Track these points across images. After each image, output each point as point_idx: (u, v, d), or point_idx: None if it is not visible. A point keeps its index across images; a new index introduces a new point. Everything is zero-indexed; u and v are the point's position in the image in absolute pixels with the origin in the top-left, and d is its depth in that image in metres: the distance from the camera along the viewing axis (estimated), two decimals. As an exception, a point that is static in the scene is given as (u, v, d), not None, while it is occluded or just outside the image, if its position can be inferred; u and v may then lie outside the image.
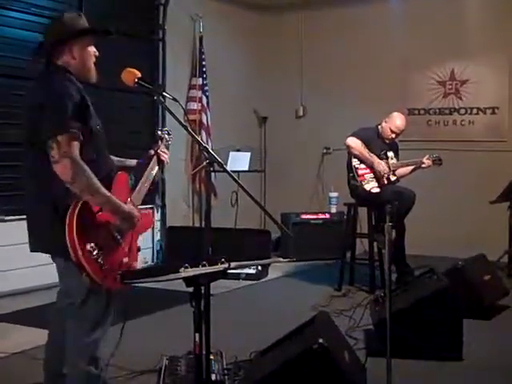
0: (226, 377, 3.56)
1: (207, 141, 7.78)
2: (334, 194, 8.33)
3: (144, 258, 7.08)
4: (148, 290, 5.35)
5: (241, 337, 4.54)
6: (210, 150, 2.88)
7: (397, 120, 6.21)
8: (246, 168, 7.66)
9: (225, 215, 7.73)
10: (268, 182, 8.86)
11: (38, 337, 4.28)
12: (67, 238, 2.57)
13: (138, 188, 3.02)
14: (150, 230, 7.15)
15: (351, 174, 6.13)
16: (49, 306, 5.15)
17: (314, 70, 8.85)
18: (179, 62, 7.89)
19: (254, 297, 6.08)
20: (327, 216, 8.01)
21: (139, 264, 3.09)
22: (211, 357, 3.05)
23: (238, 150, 7.96)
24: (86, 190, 2.61)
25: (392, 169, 6.20)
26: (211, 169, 6.68)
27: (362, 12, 8.46)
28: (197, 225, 8.03)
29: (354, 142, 6.12)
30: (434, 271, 4.63)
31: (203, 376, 2.57)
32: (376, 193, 6.03)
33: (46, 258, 2.84)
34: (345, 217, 6.69)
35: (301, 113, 9.14)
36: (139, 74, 2.90)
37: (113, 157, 3.09)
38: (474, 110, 8.08)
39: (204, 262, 2.53)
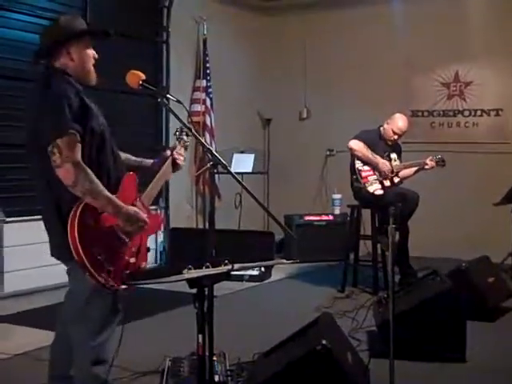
0: (229, 378, 3.56)
1: (211, 143, 7.78)
2: (337, 196, 8.32)
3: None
4: (151, 292, 5.37)
5: (244, 338, 4.54)
6: (214, 152, 2.88)
7: (399, 121, 6.21)
8: (250, 170, 7.66)
9: (228, 217, 7.74)
10: (271, 183, 8.86)
11: (40, 338, 4.31)
12: (69, 240, 2.58)
13: (148, 188, 3.00)
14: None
15: (354, 177, 6.13)
16: (51, 307, 5.20)
17: (318, 72, 8.85)
18: (183, 64, 7.90)
19: (258, 298, 6.08)
20: (330, 218, 8.00)
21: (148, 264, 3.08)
22: (214, 358, 3.05)
23: (242, 152, 7.96)
24: (88, 193, 2.61)
25: (395, 170, 6.20)
26: (215, 170, 6.67)
27: (366, 14, 8.46)
28: (200, 226, 8.04)
29: (357, 145, 6.12)
30: (438, 273, 4.63)
31: (206, 377, 2.58)
32: (379, 195, 6.02)
33: (48, 259, 2.84)
34: (348, 218, 6.69)
35: (304, 115, 9.14)
36: (143, 76, 2.90)
37: (129, 156, 3.12)
38: (478, 112, 8.08)
39: (207, 264, 2.53)
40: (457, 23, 7.90)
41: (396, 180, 6.20)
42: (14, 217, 5.82)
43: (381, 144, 6.25)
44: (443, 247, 7.52)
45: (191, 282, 2.47)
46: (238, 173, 6.47)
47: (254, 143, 8.84)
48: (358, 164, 6.13)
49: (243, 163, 7.63)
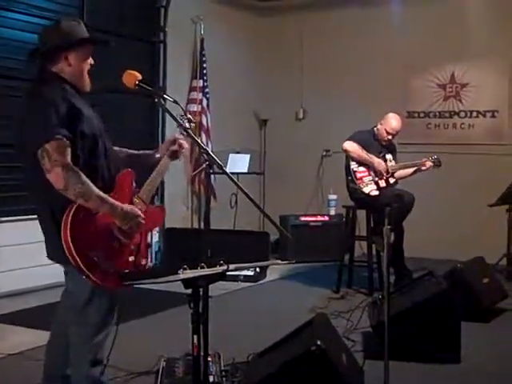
0: (224, 378, 3.56)
1: (207, 143, 7.78)
2: (333, 197, 8.33)
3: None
4: (147, 292, 5.37)
5: (239, 338, 4.54)
6: (210, 152, 2.88)
7: (392, 121, 6.22)
8: (246, 170, 7.66)
9: (224, 217, 7.74)
10: (267, 184, 8.87)
11: (35, 338, 4.31)
12: (63, 243, 2.59)
13: (147, 183, 2.96)
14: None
15: (350, 178, 6.14)
16: (46, 306, 5.20)
17: (315, 73, 8.86)
18: (180, 63, 7.89)
19: (253, 299, 6.08)
20: (326, 218, 8.01)
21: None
22: (209, 358, 3.05)
23: (238, 152, 7.96)
24: (80, 195, 2.61)
25: (391, 171, 6.21)
26: (211, 171, 6.68)
27: (363, 15, 8.47)
28: (196, 226, 8.04)
29: (352, 146, 6.13)
30: (433, 274, 4.64)
31: (201, 378, 2.58)
32: (375, 195, 6.03)
33: (43, 258, 2.84)
34: (344, 219, 6.70)
35: (301, 115, 9.15)
36: (140, 76, 2.90)
37: (130, 151, 3.12)
38: (474, 114, 8.09)
39: (203, 264, 2.53)
40: (453, 25, 7.92)
41: (391, 181, 6.21)
42: (8, 216, 5.81)
43: (375, 144, 6.26)
44: (438, 248, 7.54)
45: (186, 283, 2.47)
46: (233, 173, 6.46)
47: (251, 143, 8.84)
48: (353, 165, 6.13)
49: (239, 163, 7.63)
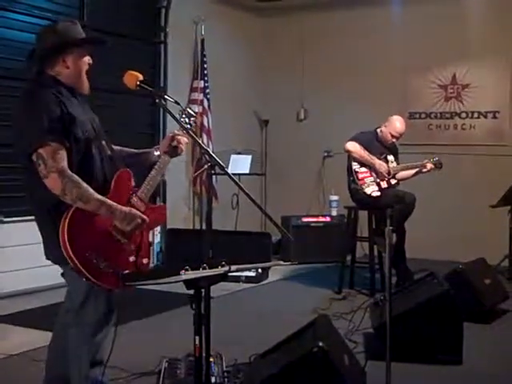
0: (226, 379, 3.55)
1: (208, 143, 7.78)
2: (334, 197, 8.32)
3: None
4: (148, 292, 5.36)
5: (240, 339, 4.53)
6: (211, 153, 2.88)
7: (396, 123, 6.21)
8: (247, 171, 7.65)
9: (225, 218, 7.74)
10: (269, 184, 8.86)
11: (37, 338, 4.31)
12: (61, 245, 2.60)
13: (145, 183, 2.96)
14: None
15: (351, 178, 6.14)
16: (48, 307, 5.20)
17: (315, 73, 8.85)
18: (181, 64, 7.89)
19: (254, 300, 6.07)
20: (328, 219, 8.00)
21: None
22: (211, 359, 3.05)
23: (239, 153, 7.96)
24: (78, 199, 2.63)
25: (392, 172, 6.20)
26: (212, 171, 6.68)
27: (363, 15, 8.47)
28: (197, 227, 8.03)
29: (354, 146, 6.12)
30: (435, 275, 4.63)
31: (203, 379, 2.57)
32: (377, 196, 6.03)
33: (43, 260, 2.85)
34: (345, 220, 6.70)
35: (302, 116, 9.14)
36: (141, 77, 2.90)
37: (130, 150, 3.14)
38: (475, 114, 8.09)
39: (204, 265, 2.53)
40: (454, 25, 7.91)
41: (393, 182, 6.20)
42: (11, 217, 5.81)
43: (377, 146, 6.25)
44: (440, 249, 7.54)
45: (188, 283, 2.47)
46: (235, 174, 6.45)
47: (252, 144, 8.84)
48: (355, 165, 6.13)
49: (240, 164, 7.62)
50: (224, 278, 2.53)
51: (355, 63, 8.54)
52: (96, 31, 6.14)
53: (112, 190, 2.81)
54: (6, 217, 5.84)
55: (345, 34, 8.62)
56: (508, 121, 7.88)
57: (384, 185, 6.12)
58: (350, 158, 6.16)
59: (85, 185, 2.65)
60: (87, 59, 2.88)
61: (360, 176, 6.10)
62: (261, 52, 9.16)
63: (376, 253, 6.14)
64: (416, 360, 4.07)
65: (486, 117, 8.03)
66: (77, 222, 2.64)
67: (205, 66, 7.98)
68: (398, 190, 6.20)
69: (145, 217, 2.80)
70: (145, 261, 2.92)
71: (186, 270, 2.47)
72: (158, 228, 7.42)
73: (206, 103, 7.94)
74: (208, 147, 7.20)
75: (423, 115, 8.36)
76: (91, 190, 2.66)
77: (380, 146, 6.27)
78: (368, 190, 6.05)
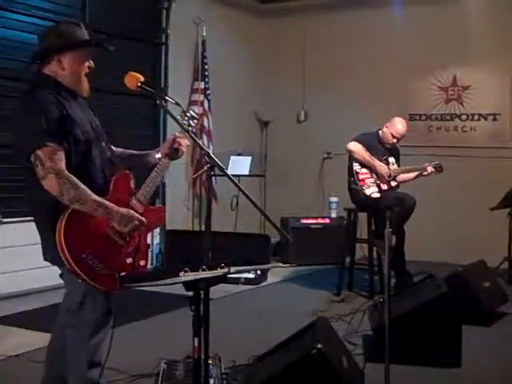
0: (224, 381, 3.55)
1: (208, 145, 7.78)
2: (334, 199, 8.33)
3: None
4: (147, 294, 5.36)
5: (239, 341, 4.53)
6: (211, 154, 2.88)
7: (398, 125, 6.22)
8: (247, 172, 7.66)
9: (225, 219, 7.73)
10: (268, 186, 8.86)
11: (36, 339, 4.30)
12: (58, 246, 2.60)
13: (144, 185, 2.95)
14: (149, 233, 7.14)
15: (352, 179, 6.14)
16: (47, 308, 5.20)
17: (316, 75, 8.85)
18: (181, 65, 7.90)
19: (253, 301, 6.07)
20: (327, 221, 8.00)
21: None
22: (209, 361, 3.05)
23: (239, 155, 7.96)
24: (75, 200, 2.63)
25: (393, 174, 6.21)
26: (212, 173, 6.67)
27: (365, 17, 8.48)
28: (197, 228, 8.03)
29: (356, 147, 6.13)
30: (434, 277, 4.63)
31: (201, 381, 2.57)
32: (376, 198, 6.03)
33: (42, 261, 2.85)
34: (345, 222, 6.69)
35: (302, 117, 9.15)
36: (142, 78, 2.89)
37: (131, 151, 3.14)
38: (476, 116, 8.09)
39: (204, 267, 2.53)
40: (455, 27, 7.92)
41: (393, 184, 6.21)
42: (10, 218, 5.81)
43: (379, 147, 6.26)
44: (439, 251, 7.54)
45: (187, 285, 2.47)
46: (234, 175, 6.44)
47: (252, 146, 8.85)
48: (356, 166, 6.13)
49: (240, 166, 7.62)
50: (223, 279, 2.53)
51: (356, 65, 8.54)
52: (97, 32, 6.15)
53: (111, 192, 2.81)
54: (4, 217, 5.83)
55: (345, 35, 8.62)
56: (508, 123, 7.88)
57: (384, 186, 6.12)
58: (351, 158, 6.17)
59: (82, 186, 2.65)
60: (86, 63, 2.87)
61: (360, 177, 6.11)
62: (261, 53, 9.17)
63: (375, 255, 6.15)
64: (415, 362, 4.06)
65: (486, 119, 8.03)
66: (74, 223, 2.65)
67: (205, 67, 7.98)
68: (398, 192, 6.20)
69: (143, 218, 2.80)
70: (142, 263, 2.92)
71: (186, 271, 2.47)
72: (158, 229, 7.41)
73: (206, 104, 7.94)
74: (208, 148, 7.20)
75: (423, 117, 8.36)
76: (89, 192, 2.66)
77: (381, 148, 6.27)
78: (368, 191, 6.05)
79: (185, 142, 3.08)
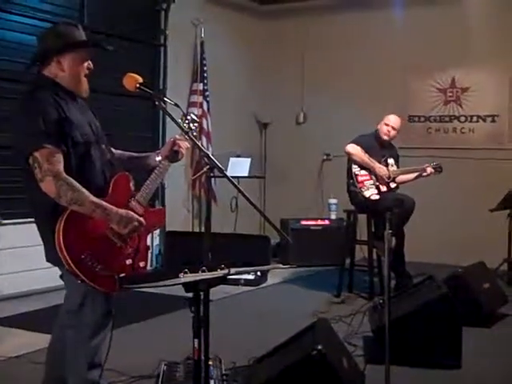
0: (225, 383, 3.55)
1: (208, 146, 7.78)
2: (333, 201, 8.34)
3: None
4: (147, 295, 5.36)
5: (239, 342, 4.53)
6: (211, 156, 2.88)
7: (390, 116, 6.30)
8: (246, 174, 7.66)
9: (224, 220, 7.73)
10: (268, 187, 8.86)
11: (36, 340, 4.30)
12: (57, 247, 2.60)
13: (144, 186, 2.96)
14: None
15: (351, 181, 6.14)
16: (47, 309, 5.20)
17: (315, 76, 8.86)
18: (180, 67, 7.90)
19: (253, 303, 6.07)
20: (327, 222, 8.00)
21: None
22: (210, 362, 3.04)
23: (238, 156, 7.96)
24: (73, 202, 2.64)
25: (392, 176, 6.21)
26: (211, 174, 6.68)
27: (364, 19, 8.48)
28: (196, 230, 8.03)
29: (355, 149, 6.13)
30: (434, 278, 4.63)
31: (201, 382, 2.57)
32: (375, 200, 6.03)
33: (44, 261, 2.85)
34: (344, 223, 6.69)
35: (301, 119, 9.15)
36: (140, 79, 2.89)
37: (131, 153, 3.14)
38: (475, 118, 8.09)
39: (204, 268, 2.53)
40: (454, 29, 7.92)
41: (392, 185, 6.21)
42: (10, 219, 5.81)
43: (378, 148, 6.25)
44: (439, 253, 7.54)
45: (187, 286, 2.46)
46: (234, 177, 6.46)
47: (251, 147, 8.85)
48: (355, 168, 6.13)
49: (239, 167, 7.62)
50: (223, 280, 2.53)
51: (355, 66, 8.54)
52: (96, 33, 6.15)
53: (110, 193, 2.82)
54: (4, 219, 5.83)
55: (345, 37, 8.63)
56: (507, 124, 7.88)
57: (383, 188, 6.12)
58: (350, 160, 6.17)
59: (80, 188, 2.65)
60: (86, 64, 2.87)
61: (360, 179, 6.11)
62: (260, 54, 9.17)
63: (375, 256, 6.14)
64: (415, 364, 4.06)
65: (485, 121, 8.03)
66: (73, 224, 2.65)
67: (204, 68, 7.98)
68: (398, 193, 6.19)
69: (142, 219, 2.80)
70: (142, 264, 2.92)
71: (185, 272, 2.47)
72: (157, 231, 7.41)
73: (205, 106, 7.94)
74: (207, 150, 7.19)
75: (422, 119, 8.37)
76: (86, 193, 2.66)
77: (380, 149, 6.27)
78: (367, 193, 6.05)
79: (185, 145, 3.08)
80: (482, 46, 7.80)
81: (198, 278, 2.47)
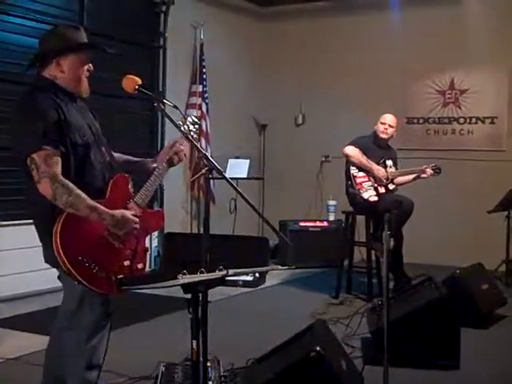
0: (223, 384, 3.56)
1: (206, 148, 7.78)
2: (332, 202, 8.34)
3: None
4: (145, 296, 5.36)
5: (238, 344, 4.53)
6: (209, 157, 2.88)
7: (385, 114, 6.32)
8: (245, 175, 7.66)
9: (223, 222, 7.73)
10: (267, 189, 8.87)
11: (34, 342, 4.30)
12: (54, 249, 2.60)
13: (143, 188, 2.97)
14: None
15: (349, 183, 6.15)
16: (46, 311, 5.20)
17: (314, 78, 8.86)
18: (179, 69, 7.90)
19: (252, 304, 6.07)
20: (325, 224, 8.00)
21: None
22: (208, 364, 3.05)
23: (237, 158, 7.96)
24: (69, 204, 2.64)
25: (390, 177, 6.21)
26: (210, 176, 6.67)
27: (363, 21, 8.49)
28: (195, 231, 8.03)
29: (353, 151, 6.14)
30: (432, 280, 4.63)
31: (200, 383, 2.57)
32: (374, 201, 6.03)
33: (43, 263, 2.85)
34: (343, 225, 6.70)
35: (300, 121, 9.16)
36: (140, 81, 2.89)
37: (128, 157, 3.14)
38: (473, 120, 8.10)
39: (202, 269, 2.53)
40: (453, 31, 7.94)
41: (391, 187, 6.21)
42: (9, 220, 5.81)
43: (376, 150, 6.26)
44: (437, 254, 7.54)
45: (186, 288, 2.46)
46: (233, 178, 6.47)
47: (250, 149, 8.85)
48: (353, 170, 6.14)
49: (238, 168, 7.63)
50: (221, 282, 2.53)
51: (353, 68, 8.55)
52: (95, 35, 6.15)
53: (108, 195, 2.82)
54: (3, 220, 5.83)
55: (343, 39, 8.64)
56: (506, 126, 7.89)
57: (382, 190, 6.13)
58: (348, 162, 6.17)
59: (76, 191, 2.65)
60: (86, 66, 2.87)
61: (358, 180, 6.11)
62: (259, 57, 9.17)
63: (373, 257, 6.15)
64: (413, 365, 4.06)
65: (483, 122, 8.04)
66: (70, 225, 2.65)
67: (204, 70, 7.99)
68: (396, 195, 6.20)
69: (137, 219, 2.81)
70: (140, 266, 2.92)
71: (184, 274, 2.47)
72: (156, 232, 7.40)
73: (204, 107, 7.95)
74: (206, 151, 7.20)
75: (421, 120, 8.37)
76: (83, 196, 2.66)
77: (378, 150, 6.28)
78: (366, 195, 6.05)
79: (183, 147, 3.08)
80: (481, 47, 7.81)
81: (196, 280, 2.47)
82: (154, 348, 4.39)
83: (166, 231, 7.25)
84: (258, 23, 9.22)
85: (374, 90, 8.31)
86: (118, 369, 3.72)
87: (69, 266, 2.61)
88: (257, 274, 6.63)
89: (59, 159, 2.67)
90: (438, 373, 4.03)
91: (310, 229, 7.89)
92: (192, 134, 3.06)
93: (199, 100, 7.91)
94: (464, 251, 7.10)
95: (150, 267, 7.44)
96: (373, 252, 6.11)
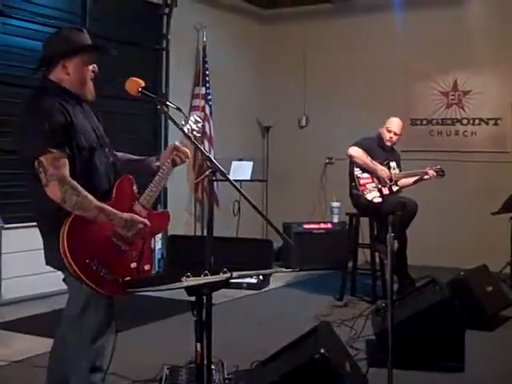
0: (227, 387, 3.55)
1: (210, 150, 7.78)
2: (336, 204, 8.32)
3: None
4: (150, 299, 5.36)
5: (242, 346, 4.53)
6: (213, 159, 2.88)
7: (392, 120, 6.31)
8: (249, 177, 7.65)
9: (227, 224, 7.73)
10: (270, 191, 8.86)
11: (38, 345, 4.30)
12: (61, 252, 2.60)
13: (148, 189, 2.96)
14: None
15: (353, 184, 6.14)
16: (50, 313, 5.20)
17: (317, 80, 8.86)
18: (182, 71, 7.90)
19: (256, 306, 6.06)
20: (329, 226, 8.00)
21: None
22: (212, 366, 3.04)
23: (241, 160, 7.96)
24: (77, 207, 2.64)
25: (394, 179, 6.20)
26: (214, 178, 6.67)
27: (366, 23, 8.48)
28: (199, 233, 8.03)
29: (357, 152, 6.13)
30: (436, 282, 4.62)
31: (204, 386, 2.57)
32: (378, 202, 6.02)
33: (44, 266, 2.85)
34: (347, 227, 6.69)
35: (303, 123, 9.15)
36: (143, 83, 2.90)
37: (132, 156, 3.15)
38: (477, 121, 8.09)
39: (206, 272, 2.53)
40: (456, 32, 7.93)
41: (395, 188, 6.20)
42: (12, 223, 5.81)
43: (380, 152, 6.26)
44: (442, 256, 7.53)
45: (190, 290, 2.46)
46: (236, 180, 6.45)
47: (253, 151, 8.85)
48: (357, 171, 6.13)
49: (242, 171, 7.62)
50: (225, 284, 2.53)
51: (357, 71, 8.55)
52: (98, 38, 6.15)
53: (114, 197, 2.82)
54: (6, 223, 5.83)
55: (347, 41, 8.63)
56: (509, 127, 7.88)
57: (386, 191, 6.12)
58: (352, 163, 6.17)
59: (84, 192, 2.65)
60: (91, 67, 2.88)
61: (362, 182, 6.10)
62: (263, 59, 9.18)
63: (377, 259, 6.14)
64: (418, 367, 4.05)
65: (487, 123, 8.03)
66: (77, 228, 2.65)
67: (206, 72, 7.99)
68: (400, 196, 6.19)
69: (146, 221, 2.81)
70: (146, 267, 2.92)
71: (188, 276, 2.47)
72: (160, 234, 7.40)
73: (207, 110, 7.95)
74: (209, 153, 7.20)
75: (425, 122, 8.36)
76: (90, 198, 2.66)
77: (382, 152, 6.27)
78: (369, 196, 6.05)
79: (185, 153, 3.07)
80: (485, 48, 7.80)
81: (200, 282, 2.47)
82: (158, 350, 4.39)
83: (169, 233, 7.27)
84: (260, 25, 9.23)
85: (377, 91, 8.30)
86: (122, 371, 3.71)
87: (76, 269, 2.61)
88: (261, 277, 6.64)
89: (66, 161, 2.67)
90: (442, 375, 4.02)
91: (314, 231, 7.89)
92: (195, 132, 3.06)
93: (202, 102, 7.92)
94: (468, 253, 7.09)
95: (154, 270, 7.43)
96: (377, 254, 6.10)
